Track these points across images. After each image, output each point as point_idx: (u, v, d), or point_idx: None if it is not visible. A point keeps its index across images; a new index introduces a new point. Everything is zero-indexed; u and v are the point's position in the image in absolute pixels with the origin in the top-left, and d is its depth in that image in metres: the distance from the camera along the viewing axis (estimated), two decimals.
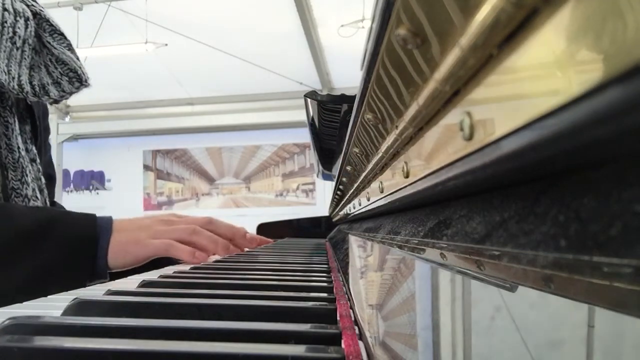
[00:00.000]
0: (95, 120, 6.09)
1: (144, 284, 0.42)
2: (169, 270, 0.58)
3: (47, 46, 0.79)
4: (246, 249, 0.86)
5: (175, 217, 0.76)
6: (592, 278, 0.10)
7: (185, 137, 6.09)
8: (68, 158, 6.12)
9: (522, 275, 0.13)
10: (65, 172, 6.21)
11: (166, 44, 4.55)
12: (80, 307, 0.30)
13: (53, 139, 6.15)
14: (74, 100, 5.80)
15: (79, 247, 0.65)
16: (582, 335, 0.11)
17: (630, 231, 0.09)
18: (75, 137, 6.08)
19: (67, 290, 0.62)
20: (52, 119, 5.84)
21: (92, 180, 6.31)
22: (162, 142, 6.18)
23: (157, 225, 0.71)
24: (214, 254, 0.77)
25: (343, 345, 0.23)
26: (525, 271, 0.13)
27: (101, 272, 0.67)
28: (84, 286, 0.63)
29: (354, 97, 0.37)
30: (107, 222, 0.68)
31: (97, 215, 0.69)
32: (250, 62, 4.75)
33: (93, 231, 0.66)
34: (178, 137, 6.10)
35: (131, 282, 0.44)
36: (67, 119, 6.07)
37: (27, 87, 0.76)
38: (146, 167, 6.27)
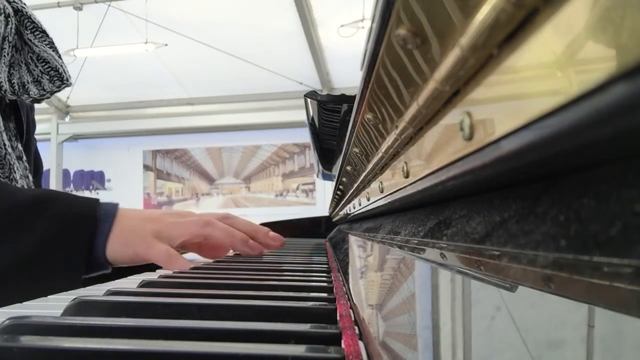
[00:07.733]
0: (95, 120, 6.10)
1: (144, 284, 0.42)
2: (169, 270, 0.58)
3: (28, 44, 0.77)
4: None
5: (189, 213, 0.68)
6: (592, 278, 0.10)
7: (185, 137, 6.09)
8: (68, 158, 6.12)
9: (522, 275, 0.13)
10: (65, 172, 6.21)
11: (166, 44, 4.56)
12: (80, 307, 0.30)
13: (53, 139, 6.13)
14: (74, 100, 5.81)
15: (75, 227, 0.56)
16: (582, 335, 0.11)
17: (630, 231, 0.09)
18: (75, 137, 6.09)
19: (60, 279, 0.54)
20: (52, 119, 5.85)
21: (92, 180, 6.31)
22: (162, 142, 6.18)
23: (167, 217, 0.62)
24: (231, 249, 0.68)
25: (343, 345, 0.23)
26: (525, 271, 0.13)
27: (100, 262, 0.58)
28: (80, 278, 0.56)
29: (354, 97, 0.37)
30: (112, 207, 0.60)
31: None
32: (250, 62, 4.75)
33: (92, 212, 0.57)
34: (178, 137, 6.10)
35: (131, 282, 0.44)
36: (67, 119, 6.07)
37: (6, 86, 0.73)
38: (146, 167, 6.27)
